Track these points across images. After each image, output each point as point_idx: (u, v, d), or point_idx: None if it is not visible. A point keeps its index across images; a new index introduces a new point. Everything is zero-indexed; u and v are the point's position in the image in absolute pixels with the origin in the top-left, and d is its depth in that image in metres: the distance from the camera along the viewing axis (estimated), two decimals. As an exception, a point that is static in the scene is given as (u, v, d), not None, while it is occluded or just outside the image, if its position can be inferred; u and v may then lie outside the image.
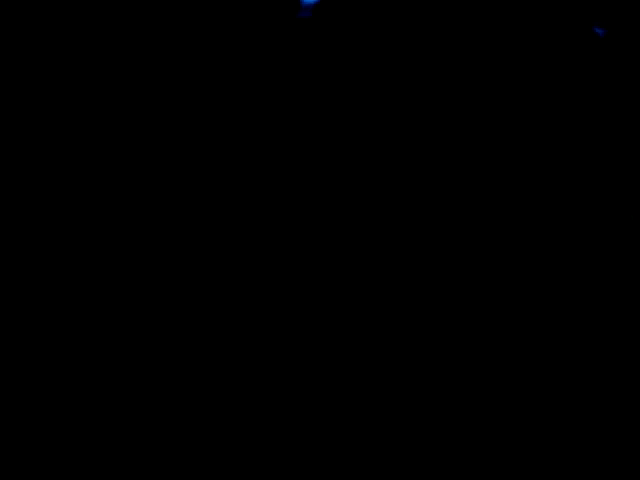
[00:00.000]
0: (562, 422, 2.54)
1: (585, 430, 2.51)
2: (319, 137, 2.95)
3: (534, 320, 3.05)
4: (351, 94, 3.00)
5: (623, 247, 3.09)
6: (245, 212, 3.17)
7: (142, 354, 2.93)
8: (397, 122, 2.98)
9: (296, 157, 3.01)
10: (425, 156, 3.02)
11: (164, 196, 3.36)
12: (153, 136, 3.17)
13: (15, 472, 2.47)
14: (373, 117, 3.00)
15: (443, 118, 3.00)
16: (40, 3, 3.24)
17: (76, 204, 3.24)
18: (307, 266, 3.21)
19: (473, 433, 2.68)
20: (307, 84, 3.01)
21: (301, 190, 3.03)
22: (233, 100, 2.93)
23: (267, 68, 2.95)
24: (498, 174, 2.96)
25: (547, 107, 2.93)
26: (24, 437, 2.61)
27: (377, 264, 3.23)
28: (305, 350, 2.91)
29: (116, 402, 2.80)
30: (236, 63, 2.97)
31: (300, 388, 2.77)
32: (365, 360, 2.91)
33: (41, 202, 3.21)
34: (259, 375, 2.85)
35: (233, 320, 3.06)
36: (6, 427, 2.59)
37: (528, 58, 2.93)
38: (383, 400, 2.81)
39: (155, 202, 3.32)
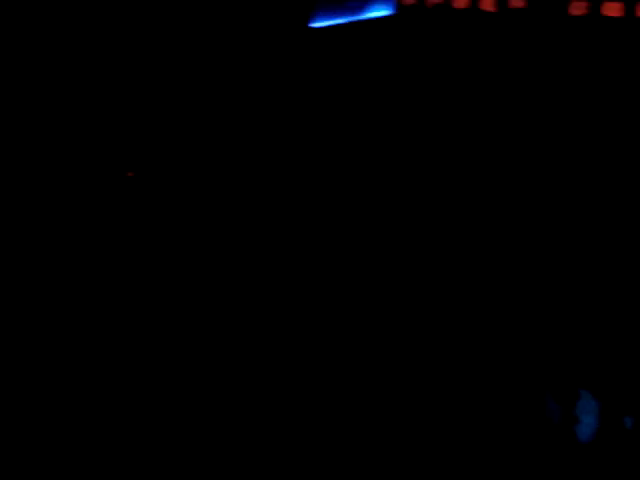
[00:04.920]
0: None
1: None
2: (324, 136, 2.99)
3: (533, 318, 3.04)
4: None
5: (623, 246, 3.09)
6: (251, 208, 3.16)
7: (142, 353, 2.94)
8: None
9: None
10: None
11: (165, 194, 3.36)
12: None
13: (15, 472, 2.48)
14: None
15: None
16: (40, 3, 3.24)
17: (76, 203, 3.24)
18: (306, 266, 3.21)
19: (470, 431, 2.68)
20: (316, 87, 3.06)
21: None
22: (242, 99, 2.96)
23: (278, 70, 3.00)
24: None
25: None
26: (24, 436, 2.63)
27: (377, 263, 3.23)
28: (304, 350, 2.92)
29: (116, 401, 2.80)
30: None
31: (299, 388, 2.78)
32: (364, 359, 2.92)
33: (41, 201, 3.22)
34: (258, 374, 2.86)
35: (233, 320, 3.07)
36: (6, 427, 2.60)
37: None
38: (381, 400, 2.81)
39: (156, 200, 3.32)
